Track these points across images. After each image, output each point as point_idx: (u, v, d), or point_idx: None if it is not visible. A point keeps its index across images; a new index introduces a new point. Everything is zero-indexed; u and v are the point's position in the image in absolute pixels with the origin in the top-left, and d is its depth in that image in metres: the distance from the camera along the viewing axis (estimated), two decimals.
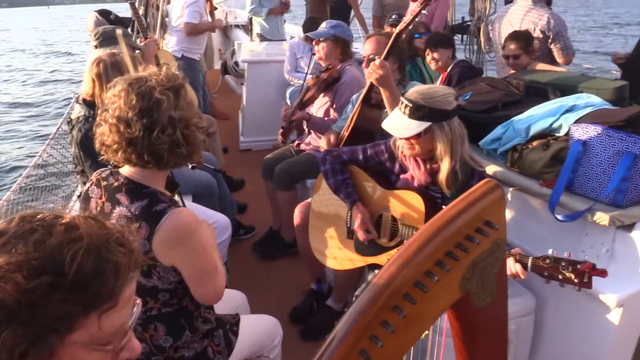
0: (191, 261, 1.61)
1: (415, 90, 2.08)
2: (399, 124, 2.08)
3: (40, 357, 0.76)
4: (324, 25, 3.64)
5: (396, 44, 2.66)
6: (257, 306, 2.51)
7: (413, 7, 2.55)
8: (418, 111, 2.01)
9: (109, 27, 3.40)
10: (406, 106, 2.03)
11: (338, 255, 2.50)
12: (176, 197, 1.83)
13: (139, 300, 0.91)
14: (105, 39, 3.23)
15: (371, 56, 2.84)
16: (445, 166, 2.08)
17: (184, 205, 1.82)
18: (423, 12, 2.54)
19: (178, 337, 1.69)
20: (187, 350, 1.71)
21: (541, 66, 3.68)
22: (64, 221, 0.82)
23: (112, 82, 1.63)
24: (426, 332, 0.86)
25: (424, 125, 2.03)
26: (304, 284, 3.14)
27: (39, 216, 0.83)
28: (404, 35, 4.54)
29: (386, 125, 2.14)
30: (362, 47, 3.37)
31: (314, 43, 3.72)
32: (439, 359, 1.54)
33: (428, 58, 4.09)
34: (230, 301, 2.17)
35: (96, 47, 3.25)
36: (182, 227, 1.57)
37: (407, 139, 2.09)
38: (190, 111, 1.62)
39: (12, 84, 17.45)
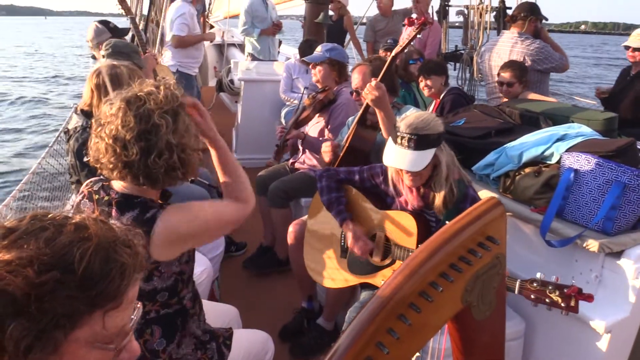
0: (201, 236, 1.70)
1: (409, 122, 2.07)
2: (407, 159, 2.06)
3: (45, 352, 0.77)
4: (319, 49, 3.71)
5: (392, 67, 2.73)
6: (247, 323, 2.50)
7: (408, 32, 2.63)
8: (424, 141, 2.04)
9: (122, 42, 3.43)
10: (410, 139, 2.04)
11: (332, 274, 2.52)
12: None
13: (139, 304, 0.92)
14: (114, 52, 3.26)
15: (358, 89, 2.92)
16: (443, 187, 2.11)
17: None
18: (418, 36, 2.62)
19: (171, 340, 1.69)
20: None
21: (532, 96, 3.78)
22: (74, 221, 0.85)
23: (108, 97, 1.62)
24: (417, 354, 0.88)
25: (432, 152, 2.07)
26: (294, 302, 3.14)
27: (49, 215, 0.85)
28: (397, 60, 4.65)
29: (392, 162, 2.12)
30: None
31: (310, 67, 3.79)
32: None
33: (421, 85, 4.18)
34: (222, 315, 2.17)
35: (103, 56, 3.28)
36: (175, 225, 1.57)
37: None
38: (188, 135, 1.61)
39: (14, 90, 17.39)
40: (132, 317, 0.90)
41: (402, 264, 0.79)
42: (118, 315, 0.83)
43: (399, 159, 2.09)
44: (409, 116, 2.12)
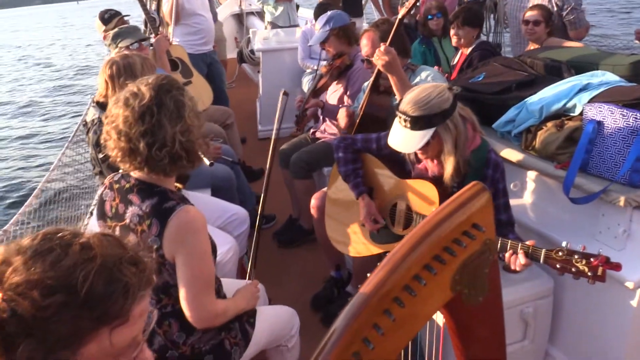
0: (188, 261, 1.63)
1: (410, 100, 1.98)
2: (404, 139, 2.00)
3: None
4: (318, 27, 3.61)
5: (400, 29, 2.65)
6: (278, 295, 2.55)
7: None
8: (419, 122, 1.95)
9: (116, 31, 3.48)
10: (405, 120, 1.96)
11: (355, 244, 2.53)
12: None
13: (155, 312, 0.96)
14: (113, 41, 3.34)
15: (368, 57, 2.86)
16: (450, 164, 2.04)
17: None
18: None
19: (190, 333, 1.74)
20: (204, 345, 1.76)
21: (556, 41, 3.62)
22: (80, 240, 0.87)
23: (114, 98, 1.66)
24: None
25: (430, 132, 1.97)
26: (324, 271, 3.19)
27: (59, 234, 0.89)
28: (418, 17, 4.45)
29: (392, 142, 2.06)
30: None
31: (320, 47, 3.73)
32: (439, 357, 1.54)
33: (451, 32, 3.90)
34: None
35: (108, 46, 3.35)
36: (187, 224, 1.62)
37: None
38: (188, 122, 1.63)
39: (35, 84, 17.74)
40: (146, 324, 0.93)
41: (385, 259, 0.78)
42: (126, 330, 0.87)
43: (396, 137, 2.04)
44: (413, 91, 2.02)
